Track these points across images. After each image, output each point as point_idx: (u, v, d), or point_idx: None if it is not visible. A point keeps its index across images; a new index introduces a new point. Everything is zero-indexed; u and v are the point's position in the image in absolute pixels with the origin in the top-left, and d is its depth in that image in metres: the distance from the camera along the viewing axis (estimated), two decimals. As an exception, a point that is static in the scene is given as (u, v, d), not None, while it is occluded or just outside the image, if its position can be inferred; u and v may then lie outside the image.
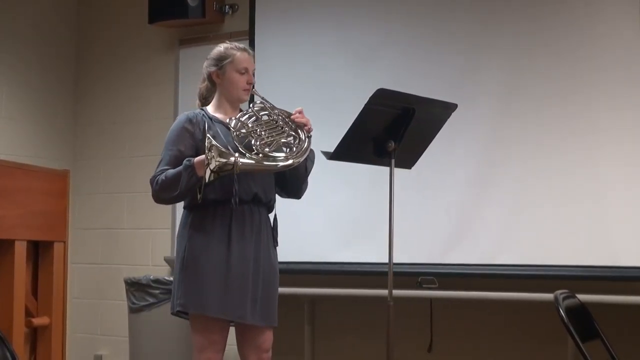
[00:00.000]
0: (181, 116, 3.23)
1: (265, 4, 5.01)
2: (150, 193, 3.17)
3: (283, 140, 3.09)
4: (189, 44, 5.35)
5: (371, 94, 3.08)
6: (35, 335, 4.57)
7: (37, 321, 4.49)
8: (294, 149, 3.08)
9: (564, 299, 2.77)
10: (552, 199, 4.15)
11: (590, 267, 4.03)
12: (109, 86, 5.67)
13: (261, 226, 3.15)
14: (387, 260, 3.21)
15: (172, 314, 3.16)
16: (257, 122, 3.11)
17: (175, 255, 3.18)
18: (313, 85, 4.75)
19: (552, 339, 4.17)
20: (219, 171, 2.92)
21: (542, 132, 4.21)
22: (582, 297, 3.03)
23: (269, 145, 3.05)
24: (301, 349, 4.73)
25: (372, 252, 4.31)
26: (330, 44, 4.77)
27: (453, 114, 3.35)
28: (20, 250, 4.28)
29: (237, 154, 2.96)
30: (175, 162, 3.08)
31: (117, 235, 5.52)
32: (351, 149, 3.21)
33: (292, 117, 3.14)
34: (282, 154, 3.06)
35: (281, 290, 3.27)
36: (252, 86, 3.23)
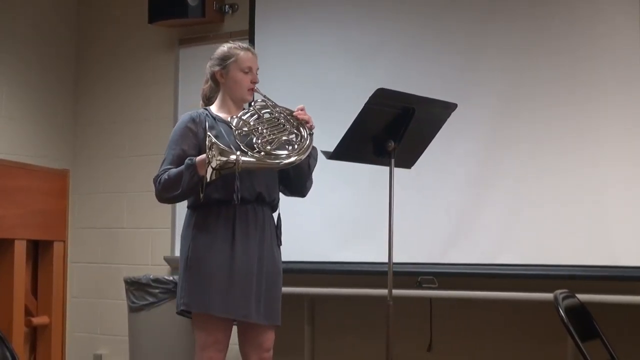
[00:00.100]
0: (184, 116, 3.23)
1: (265, 3, 5.01)
2: (151, 192, 3.18)
3: (285, 137, 3.10)
4: (189, 43, 5.35)
5: (371, 94, 3.09)
6: (35, 335, 4.57)
7: (36, 320, 4.49)
8: (296, 146, 3.08)
9: (563, 298, 2.77)
10: (552, 199, 4.15)
11: (590, 267, 4.03)
12: (109, 86, 5.67)
13: (265, 225, 3.16)
14: (386, 260, 3.21)
15: (177, 313, 3.17)
16: (259, 120, 3.12)
17: (179, 254, 3.18)
18: (313, 85, 4.75)
19: (551, 338, 4.16)
20: (220, 169, 2.93)
21: (542, 132, 4.21)
22: (582, 297, 3.04)
23: (270, 143, 3.06)
24: (301, 348, 4.73)
25: (371, 252, 4.31)
26: (330, 44, 4.77)
27: (453, 113, 3.35)
28: (20, 250, 4.29)
29: (238, 152, 2.97)
30: (178, 161, 3.09)
31: (117, 235, 5.52)
32: (351, 148, 3.21)
33: (294, 114, 3.15)
34: (285, 152, 3.06)
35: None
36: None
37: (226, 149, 2.95)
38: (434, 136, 3.38)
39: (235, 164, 2.94)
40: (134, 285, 4.66)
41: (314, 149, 3.18)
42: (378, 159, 3.25)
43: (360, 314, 4.68)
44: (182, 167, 3.04)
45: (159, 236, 5.34)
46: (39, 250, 4.57)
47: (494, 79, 4.34)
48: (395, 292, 3.22)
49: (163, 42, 5.46)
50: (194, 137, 3.14)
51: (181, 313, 3.16)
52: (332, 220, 4.62)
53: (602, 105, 4.10)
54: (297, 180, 3.26)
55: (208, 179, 2.93)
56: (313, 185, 3.34)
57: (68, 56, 5.75)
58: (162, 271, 5.16)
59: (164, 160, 3.15)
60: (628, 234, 3.98)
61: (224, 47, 3.27)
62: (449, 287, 4.20)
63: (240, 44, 3.29)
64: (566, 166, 4.14)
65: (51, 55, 5.62)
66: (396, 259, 3.22)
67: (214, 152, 2.91)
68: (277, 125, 3.12)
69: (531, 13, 4.29)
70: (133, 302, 4.66)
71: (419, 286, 4.22)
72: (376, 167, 3.33)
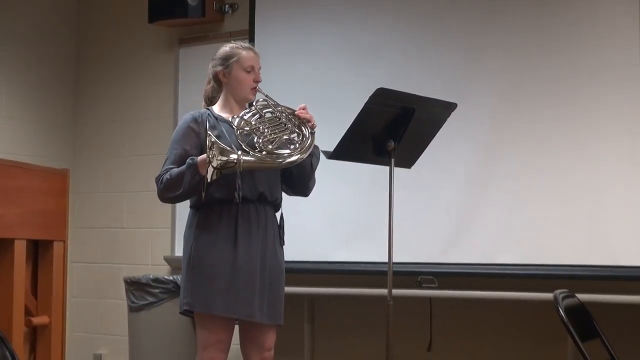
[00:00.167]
0: (187, 115, 3.24)
1: (265, 3, 5.01)
2: (151, 192, 3.18)
3: (286, 137, 3.10)
4: (189, 43, 5.35)
5: (371, 94, 3.09)
6: (34, 335, 4.57)
7: (36, 320, 4.50)
8: (298, 145, 3.08)
9: (563, 298, 2.77)
10: (551, 199, 4.15)
11: (589, 267, 4.03)
12: (109, 86, 5.67)
13: (267, 225, 3.16)
14: (386, 260, 3.21)
15: (180, 312, 3.17)
16: (261, 119, 3.12)
17: (182, 254, 3.18)
18: (313, 84, 4.75)
19: (551, 338, 4.17)
20: (221, 169, 2.93)
21: (542, 132, 4.21)
22: (582, 296, 3.04)
23: (272, 143, 3.06)
24: (301, 348, 4.74)
25: (372, 252, 4.31)
26: (330, 44, 4.77)
27: (453, 113, 3.35)
28: (20, 250, 4.29)
29: (240, 152, 2.97)
30: (181, 161, 3.09)
31: (117, 235, 5.52)
32: (351, 148, 3.21)
33: (295, 113, 3.15)
34: (286, 151, 3.06)
35: (282, 289, 3.28)
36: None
37: (227, 148, 2.95)
38: (434, 136, 3.38)
39: (236, 163, 2.94)
40: (134, 285, 4.66)
41: (316, 147, 3.18)
42: (378, 158, 3.25)
43: (360, 314, 4.68)
44: (184, 167, 3.04)
45: (159, 236, 5.34)
46: (39, 250, 4.57)
47: (494, 79, 4.35)
48: (395, 291, 3.23)
49: (163, 42, 5.46)
50: (196, 137, 3.14)
51: (184, 313, 3.16)
52: (332, 220, 4.62)
53: (602, 105, 4.10)
54: (299, 180, 3.26)
55: (209, 179, 2.93)
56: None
57: (68, 56, 5.74)
58: (162, 271, 5.16)
59: (166, 160, 3.15)
60: (628, 234, 3.98)
61: (226, 47, 3.27)
62: (449, 287, 4.20)
63: (242, 43, 3.30)
64: (566, 166, 4.14)
65: (51, 55, 5.62)
66: (396, 258, 3.22)
67: (214, 152, 2.91)
68: (279, 124, 3.12)
69: (531, 13, 4.29)
70: (133, 302, 4.66)
71: (419, 286, 4.22)
72: (376, 167, 3.33)
